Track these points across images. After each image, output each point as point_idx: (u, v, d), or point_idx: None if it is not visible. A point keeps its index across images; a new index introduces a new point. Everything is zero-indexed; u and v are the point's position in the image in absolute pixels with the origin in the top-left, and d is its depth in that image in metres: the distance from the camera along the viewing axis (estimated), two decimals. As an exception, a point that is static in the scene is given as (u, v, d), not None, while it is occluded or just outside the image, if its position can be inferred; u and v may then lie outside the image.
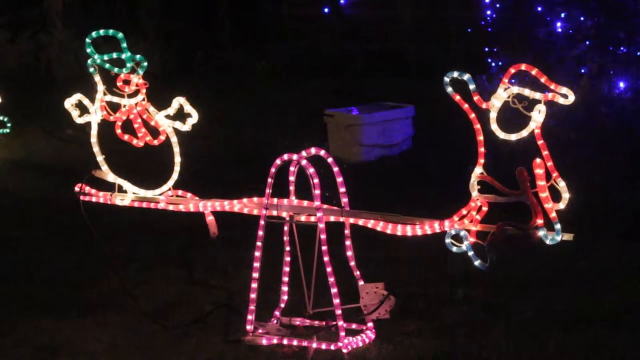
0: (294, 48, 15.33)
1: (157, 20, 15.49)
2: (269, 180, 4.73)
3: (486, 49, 10.94)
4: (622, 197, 7.23)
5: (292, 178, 4.80)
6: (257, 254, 4.76)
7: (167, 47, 14.89)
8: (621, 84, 9.98)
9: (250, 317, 4.80)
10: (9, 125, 10.16)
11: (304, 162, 4.70)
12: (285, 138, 9.42)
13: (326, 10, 15.83)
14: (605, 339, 4.76)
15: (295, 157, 4.71)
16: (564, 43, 10.10)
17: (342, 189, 4.74)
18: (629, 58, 10.01)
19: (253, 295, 4.78)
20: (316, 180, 4.68)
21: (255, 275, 4.77)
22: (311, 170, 4.67)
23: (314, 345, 4.70)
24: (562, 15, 10.19)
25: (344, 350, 4.63)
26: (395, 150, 9.23)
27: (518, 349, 4.67)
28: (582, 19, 10.06)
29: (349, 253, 4.85)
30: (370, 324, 4.83)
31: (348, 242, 4.86)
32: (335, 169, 4.72)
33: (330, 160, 4.74)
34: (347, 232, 4.86)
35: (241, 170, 8.51)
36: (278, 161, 4.73)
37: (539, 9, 10.39)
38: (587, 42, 10.00)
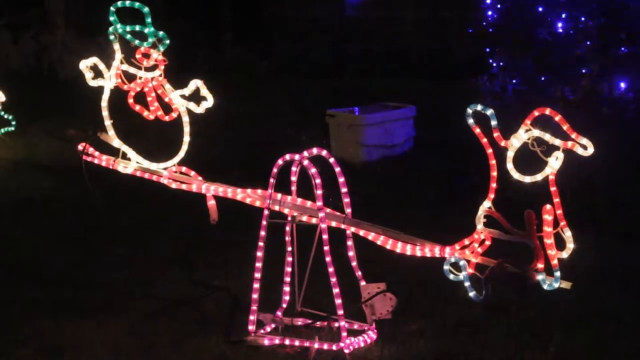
0: (295, 48, 15.33)
1: (159, 20, 15.48)
2: (271, 180, 4.74)
3: (487, 50, 10.95)
4: (623, 198, 7.23)
5: (293, 178, 4.80)
6: (259, 254, 4.77)
7: (168, 46, 14.89)
8: (622, 85, 9.98)
9: (252, 317, 4.81)
10: (13, 123, 10.16)
11: (305, 162, 4.70)
12: (286, 137, 9.42)
13: (328, 9, 15.86)
14: (606, 339, 4.76)
15: (297, 157, 4.71)
16: (565, 43, 10.10)
17: (344, 189, 4.75)
18: (630, 59, 10.01)
19: (255, 296, 4.78)
20: (318, 181, 4.68)
21: (257, 275, 4.77)
22: (313, 170, 4.68)
23: (316, 345, 4.70)
24: (563, 15, 10.20)
25: (346, 351, 4.63)
26: (396, 150, 9.23)
27: (519, 349, 4.68)
28: (583, 19, 10.06)
29: (351, 253, 4.86)
30: (372, 324, 4.84)
31: (350, 243, 4.86)
32: (337, 169, 4.72)
33: (332, 160, 4.74)
34: (348, 232, 4.86)
35: (241, 170, 8.51)
36: (280, 161, 4.73)
37: (540, 9, 10.40)
38: (588, 43, 10.00)
